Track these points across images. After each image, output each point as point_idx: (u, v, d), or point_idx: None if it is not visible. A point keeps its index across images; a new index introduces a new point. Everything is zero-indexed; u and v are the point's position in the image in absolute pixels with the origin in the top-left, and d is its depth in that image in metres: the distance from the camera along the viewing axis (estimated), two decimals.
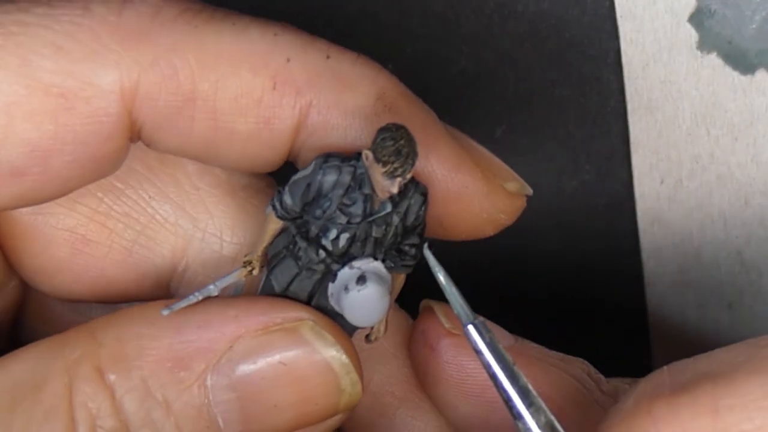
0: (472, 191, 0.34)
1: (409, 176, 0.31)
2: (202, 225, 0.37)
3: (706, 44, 0.44)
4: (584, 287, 0.50)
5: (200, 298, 0.34)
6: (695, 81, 0.44)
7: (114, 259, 0.36)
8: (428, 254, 0.33)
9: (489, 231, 0.35)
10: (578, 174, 0.48)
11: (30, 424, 0.30)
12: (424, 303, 0.37)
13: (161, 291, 0.37)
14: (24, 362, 0.32)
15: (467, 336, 0.32)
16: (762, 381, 0.29)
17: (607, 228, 0.48)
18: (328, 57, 0.33)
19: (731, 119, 0.45)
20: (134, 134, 0.33)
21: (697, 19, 0.44)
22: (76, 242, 0.36)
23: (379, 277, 0.33)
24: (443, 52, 0.46)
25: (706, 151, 0.46)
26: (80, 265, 0.36)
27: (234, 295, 0.35)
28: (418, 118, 0.34)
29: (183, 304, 0.33)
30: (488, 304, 0.48)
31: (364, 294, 0.32)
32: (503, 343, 0.36)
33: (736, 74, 0.44)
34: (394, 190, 0.31)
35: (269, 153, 0.34)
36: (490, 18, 0.45)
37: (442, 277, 0.33)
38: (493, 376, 0.32)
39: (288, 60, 0.33)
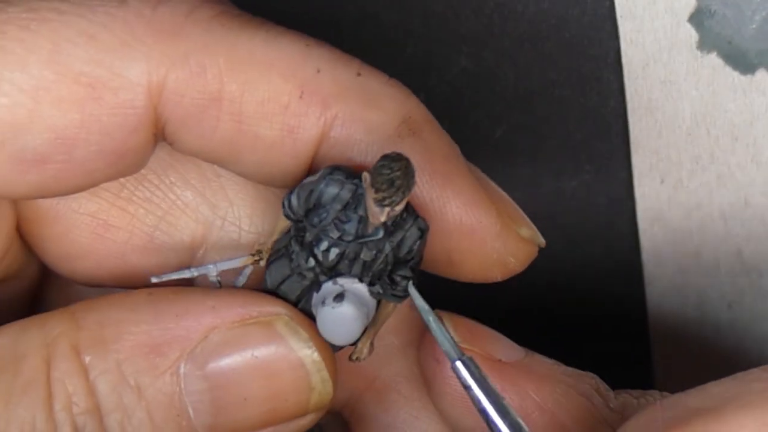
0: (485, 228, 0.34)
1: (398, 209, 0.31)
2: (222, 212, 0.37)
3: (706, 44, 0.44)
4: (584, 287, 0.50)
5: (195, 274, 0.34)
6: (695, 81, 0.44)
7: (135, 244, 0.36)
8: (413, 291, 0.33)
9: (497, 275, 0.35)
10: (578, 174, 0.48)
11: (10, 395, 0.31)
12: (435, 314, 0.37)
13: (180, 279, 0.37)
14: (5, 336, 0.32)
15: (456, 372, 0.32)
16: (753, 414, 0.29)
17: (607, 228, 0.48)
18: (358, 74, 0.33)
19: (731, 119, 0.45)
20: (158, 131, 0.33)
21: (697, 19, 0.44)
22: (98, 227, 0.36)
23: (358, 299, 0.33)
24: (443, 52, 0.46)
25: (706, 151, 0.46)
26: (101, 250, 0.36)
27: (237, 282, 0.35)
28: (440, 148, 0.34)
29: (174, 275, 0.34)
30: (488, 304, 0.48)
31: (338, 312, 0.32)
32: (513, 357, 0.36)
33: (736, 74, 0.44)
34: (382, 218, 0.31)
35: (291, 162, 0.34)
36: (490, 18, 0.45)
37: (426, 314, 0.33)
38: (483, 412, 0.32)
39: (318, 71, 0.33)
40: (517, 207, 0.36)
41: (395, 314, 0.35)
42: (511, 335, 0.38)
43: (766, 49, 0.44)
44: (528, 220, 0.36)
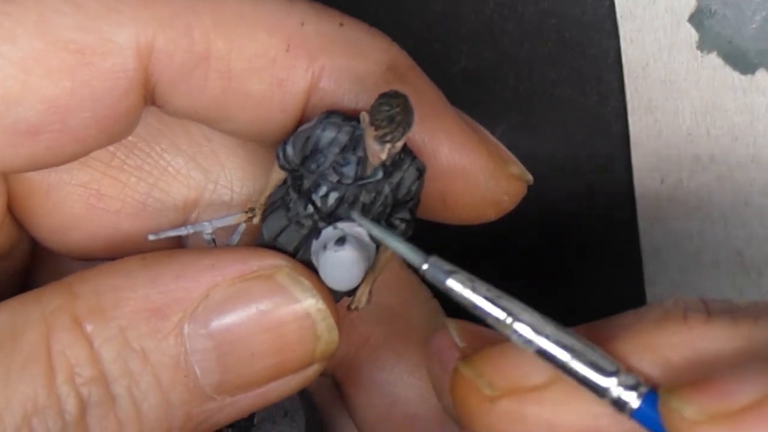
0: (477, 168, 0.34)
1: (399, 145, 0.31)
2: (213, 176, 0.37)
3: (706, 44, 0.44)
4: (584, 287, 0.50)
5: (191, 231, 0.34)
6: (695, 81, 0.44)
7: (128, 213, 0.36)
8: (357, 216, 0.32)
9: (491, 214, 0.35)
10: (578, 174, 0.48)
11: (9, 371, 0.30)
12: (439, 321, 0.37)
13: (173, 243, 0.37)
14: (4, 313, 0.32)
15: (424, 278, 0.31)
16: None
17: (607, 228, 0.48)
18: (341, 24, 0.34)
19: (731, 119, 0.45)
20: (148, 93, 0.33)
21: (697, 19, 0.44)
22: (91, 197, 0.36)
23: (360, 243, 0.33)
24: (443, 52, 0.46)
25: (706, 151, 0.46)
26: (95, 220, 0.36)
27: (232, 241, 0.35)
28: (428, 92, 0.34)
29: (171, 233, 0.34)
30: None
31: (340, 255, 0.32)
32: None
33: (736, 74, 0.44)
34: (383, 156, 0.31)
35: (280, 117, 0.34)
36: (490, 18, 0.45)
37: (377, 231, 0.32)
38: (470, 305, 0.31)
39: (302, 24, 0.33)
40: (504, 146, 0.36)
41: (389, 271, 0.35)
42: None
43: (766, 49, 0.44)
44: (515, 158, 0.36)
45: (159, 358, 0.31)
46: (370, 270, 0.34)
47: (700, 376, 0.28)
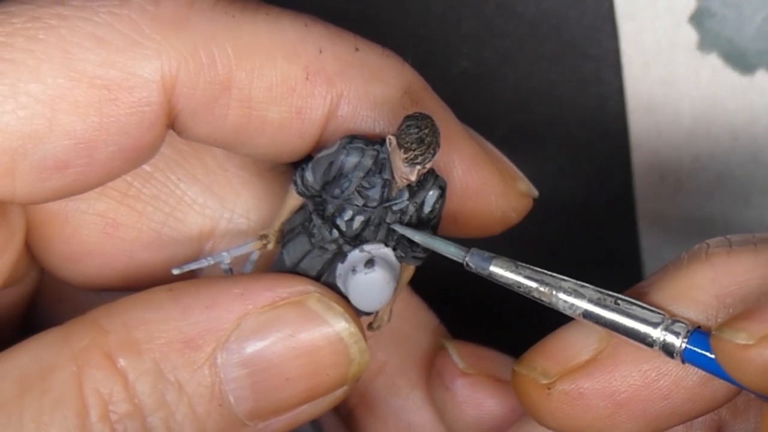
0: (489, 188, 0.35)
1: (429, 166, 0.31)
2: (229, 206, 0.37)
3: (706, 44, 0.44)
4: None
5: (212, 262, 0.35)
6: (695, 81, 0.44)
7: (143, 241, 0.36)
8: (397, 226, 0.33)
9: (498, 229, 0.36)
10: (578, 174, 0.48)
11: (41, 413, 0.30)
12: (439, 342, 0.38)
13: (187, 274, 0.37)
14: (30, 353, 0.32)
15: (470, 267, 0.32)
16: None
17: (607, 228, 0.48)
18: (356, 49, 0.34)
19: (731, 119, 0.45)
20: (170, 123, 0.33)
21: (697, 19, 0.44)
22: (107, 226, 0.36)
23: (388, 264, 0.33)
24: (443, 52, 0.46)
25: (706, 151, 0.46)
26: (110, 249, 0.36)
27: (245, 269, 0.35)
28: (440, 113, 0.34)
29: (194, 265, 0.34)
30: (487, 305, 0.48)
31: (371, 277, 0.33)
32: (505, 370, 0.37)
33: (736, 74, 0.44)
34: (413, 177, 0.31)
35: (298, 142, 0.34)
36: (490, 18, 0.45)
37: (418, 236, 0.33)
38: (512, 284, 0.32)
39: (320, 51, 0.33)
40: (511, 163, 0.36)
41: (401, 301, 0.35)
42: (511, 340, 0.38)
43: (766, 49, 0.44)
44: (521, 173, 0.36)
45: (194, 389, 0.31)
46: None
47: (734, 309, 0.30)
